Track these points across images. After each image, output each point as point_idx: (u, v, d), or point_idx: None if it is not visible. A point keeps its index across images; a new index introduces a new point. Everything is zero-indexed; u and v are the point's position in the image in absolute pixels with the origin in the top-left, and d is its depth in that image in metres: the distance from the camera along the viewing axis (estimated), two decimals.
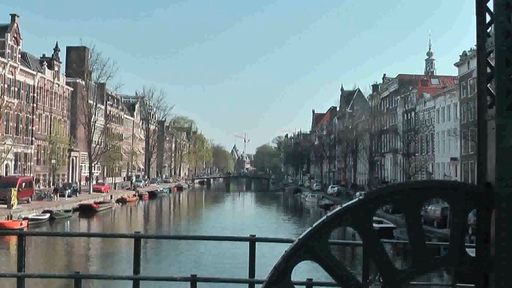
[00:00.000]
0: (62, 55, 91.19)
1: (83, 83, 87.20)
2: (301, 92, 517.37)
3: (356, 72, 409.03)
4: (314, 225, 4.58)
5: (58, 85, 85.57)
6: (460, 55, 66.75)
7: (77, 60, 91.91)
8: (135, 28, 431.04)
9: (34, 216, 51.09)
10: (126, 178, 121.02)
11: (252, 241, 9.45)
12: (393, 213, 53.54)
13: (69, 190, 70.56)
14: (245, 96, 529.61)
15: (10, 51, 68.30)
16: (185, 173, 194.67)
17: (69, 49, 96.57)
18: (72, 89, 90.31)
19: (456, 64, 67.50)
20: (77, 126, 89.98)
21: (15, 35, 70.08)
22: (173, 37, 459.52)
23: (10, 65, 67.22)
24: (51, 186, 73.68)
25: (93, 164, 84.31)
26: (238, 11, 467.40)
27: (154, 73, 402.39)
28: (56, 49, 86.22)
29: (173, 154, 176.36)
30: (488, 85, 5.18)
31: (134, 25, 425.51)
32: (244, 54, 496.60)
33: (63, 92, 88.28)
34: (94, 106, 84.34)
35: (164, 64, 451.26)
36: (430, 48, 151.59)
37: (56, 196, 65.95)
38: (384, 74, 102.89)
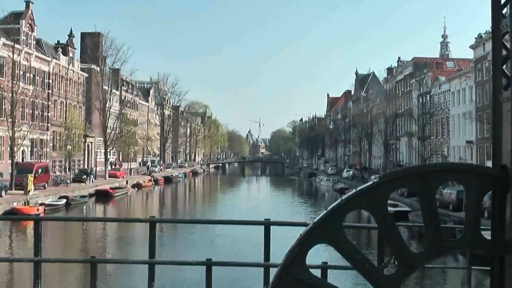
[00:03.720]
0: (77, 41, 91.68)
1: (98, 69, 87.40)
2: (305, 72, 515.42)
3: (368, 53, 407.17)
4: (329, 208, 4.55)
5: (73, 71, 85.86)
6: (475, 37, 66.27)
7: (92, 46, 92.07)
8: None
9: (50, 202, 51.33)
10: (141, 164, 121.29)
11: (267, 225, 9.47)
12: (409, 196, 53.41)
13: (92, 176, 71.22)
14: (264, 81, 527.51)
15: (25, 38, 68.55)
16: (200, 158, 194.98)
17: (83, 35, 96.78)
18: (86, 75, 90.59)
19: (472, 47, 67.03)
20: (92, 112, 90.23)
21: (30, 22, 70.27)
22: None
23: (25, 52, 67.45)
24: (71, 172, 73.97)
25: (108, 150, 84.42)
26: None
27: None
28: (71, 35, 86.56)
29: (188, 139, 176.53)
30: (503, 67, 5.12)
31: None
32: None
33: (78, 78, 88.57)
34: (109, 92, 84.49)
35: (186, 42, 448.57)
36: (445, 31, 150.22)
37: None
38: (399, 57, 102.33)
